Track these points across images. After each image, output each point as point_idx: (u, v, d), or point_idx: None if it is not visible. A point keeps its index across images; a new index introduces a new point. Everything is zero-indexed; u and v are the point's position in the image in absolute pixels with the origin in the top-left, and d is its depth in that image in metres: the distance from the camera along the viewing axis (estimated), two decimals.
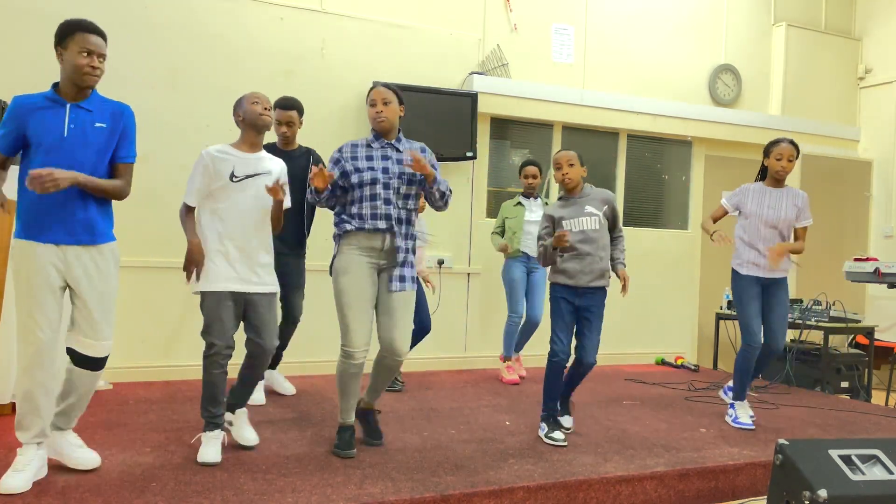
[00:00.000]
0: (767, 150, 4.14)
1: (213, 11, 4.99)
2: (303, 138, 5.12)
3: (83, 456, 2.83)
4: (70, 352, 2.79)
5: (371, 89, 3.30)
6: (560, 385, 3.66)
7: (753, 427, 4.04)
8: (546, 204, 5.18)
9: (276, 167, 3.26)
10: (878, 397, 5.82)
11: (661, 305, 6.62)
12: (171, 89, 4.89)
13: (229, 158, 3.13)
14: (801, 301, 5.98)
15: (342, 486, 2.77)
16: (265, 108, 3.19)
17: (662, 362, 6.44)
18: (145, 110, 4.78)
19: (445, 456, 3.25)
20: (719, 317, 6.29)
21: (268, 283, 3.19)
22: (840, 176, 7.30)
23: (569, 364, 3.64)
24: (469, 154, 5.57)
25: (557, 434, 3.54)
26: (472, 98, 5.58)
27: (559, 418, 3.74)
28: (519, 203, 5.16)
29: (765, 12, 7.17)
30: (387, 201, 3.19)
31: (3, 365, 3.61)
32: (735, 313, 6.00)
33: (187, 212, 3.16)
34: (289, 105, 4.11)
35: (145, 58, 4.80)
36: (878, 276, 5.32)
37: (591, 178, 6.04)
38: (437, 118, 5.42)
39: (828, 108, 7.40)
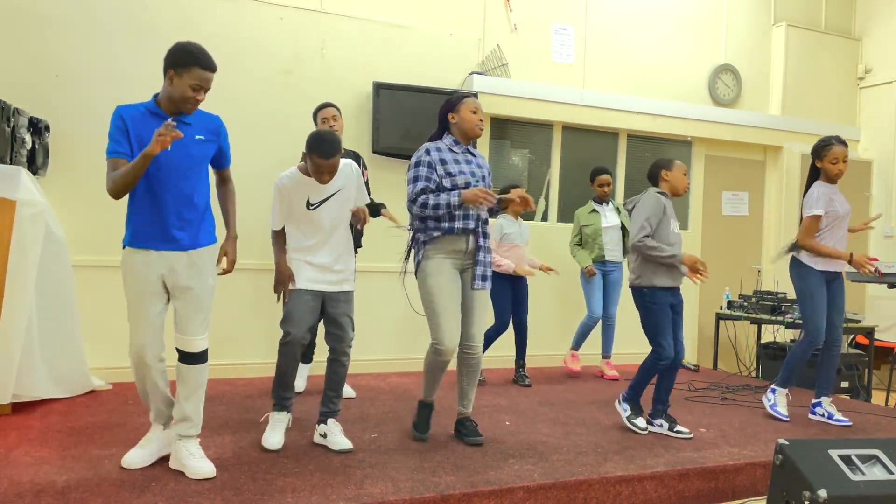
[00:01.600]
0: (821, 153, 4.15)
1: (213, 11, 4.99)
2: (303, 139, 5.12)
3: (199, 466, 2.83)
4: (177, 350, 2.93)
5: (466, 98, 3.44)
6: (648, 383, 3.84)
7: (788, 419, 4.16)
8: (619, 210, 5.49)
9: (347, 178, 3.31)
10: (878, 397, 5.82)
11: None
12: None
13: (302, 187, 3.23)
14: None
15: (342, 486, 2.77)
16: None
17: None
18: None
19: (445, 456, 3.25)
20: (719, 317, 6.29)
21: (344, 282, 3.32)
22: None
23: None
24: None
25: (641, 421, 3.78)
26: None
27: (675, 429, 3.81)
28: (594, 210, 5.43)
29: (765, 12, 7.17)
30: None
31: (3, 365, 3.61)
32: (738, 312, 6.01)
33: (276, 236, 3.32)
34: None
35: (145, 58, 4.80)
36: (878, 276, 5.32)
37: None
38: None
39: (828, 108, 7.40)
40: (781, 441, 2.59)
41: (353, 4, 5.43)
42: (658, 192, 3.83)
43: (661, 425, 3.84)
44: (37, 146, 4.19)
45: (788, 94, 7.15)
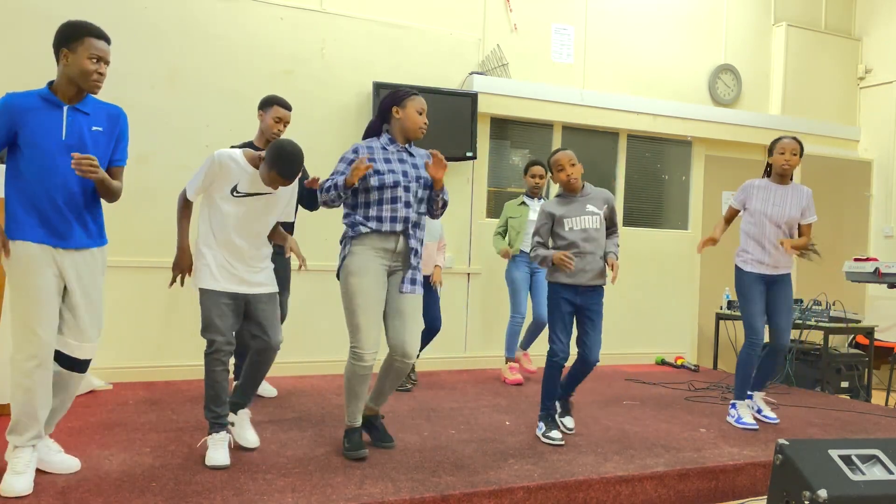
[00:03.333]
0: (771, 148, 4.15)
1: (213, 11, 4.99)
2: (302, 139, 5.12)
3: (63, 461, 2.79)
4: (57, 354, 2.73)
5: (414, 95, 3.28)
6: (558, 385, 3.67)
7: (757, 427, 4.03)
8: None
9: (284, 188, 3.16)
10: (878, 397, 5.82)
11: (661, 305, 6.62)
12: (170, 89, 4.89)
13: (238, 171, 3.04)
14: (802, 301, 5.98)
15: (342, 486, 2.77)
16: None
17: (662, 362, 6.44)
18: (145, 110, 4.78)
19: (445, 456, 3.25)
20: (719, 317, 6.29)
21: (266, 283, 3.17)
22: (840, 176, 7.30)
23: (567, 364, 3.64)
24: (469, 154, 5.57)
25: (555, 433, 3.54)
26: (472, 98, 5.58)
27: (560, 419, 3.74)
28: (523, 203, 5.17)
29: (765, 12, 7.17)
30: (406, 204, 3.21)
31: (3, 365, 3.61)
32: (738, 312, 6.01)
33: (184, 205, 3.11)
34: (289, 106, 4.10)
35: (145, 58, 4.80)
36: (878, 276, 5.32)
37: (590, 178, 6.04)
38: (437, 118, 5.42)
39: (828, 108, 7.40)
40: (781, 441, 2.59)
41: (353, 4, 5.43)
42: (555, 196, 3.71)
43: (540, 427, 3.65)
44: None
45: (788, 94, 7.15)
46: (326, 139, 5.26)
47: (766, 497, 2.77)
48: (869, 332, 5.81)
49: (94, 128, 2.71)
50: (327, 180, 3.17)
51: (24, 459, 2.63)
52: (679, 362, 6.28)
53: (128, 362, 4.74)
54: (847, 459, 2.55)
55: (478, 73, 5.76)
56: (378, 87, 5.29)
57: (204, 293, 3.06)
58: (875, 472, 2.55)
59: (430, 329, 4.71)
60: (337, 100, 5.34)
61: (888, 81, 7.30)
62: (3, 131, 2.60)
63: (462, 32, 5.80)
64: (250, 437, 3.26)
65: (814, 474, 2.45)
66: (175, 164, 4.83)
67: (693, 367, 6.13)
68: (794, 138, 4.09)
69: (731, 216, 4.33)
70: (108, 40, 2.69)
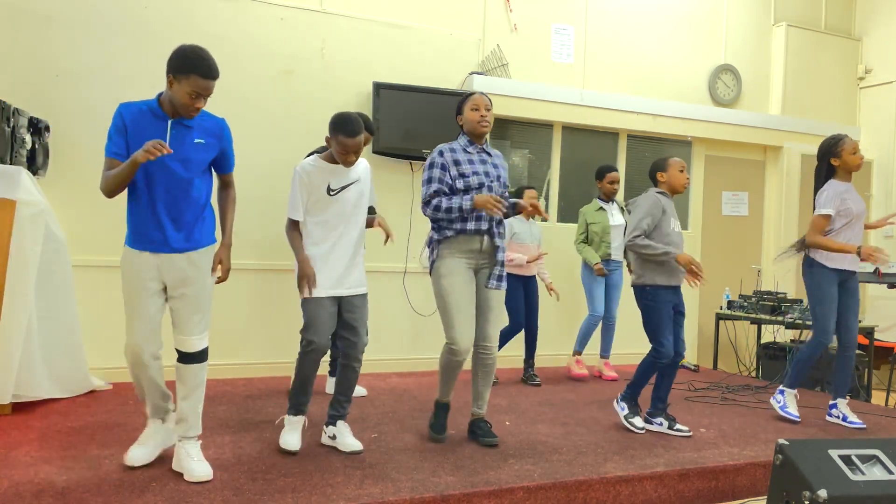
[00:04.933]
0: (833, 150, 4.11)
1: (213, 11, 4.99)
2: (302, 139, 5.13)
3: (195, 468, 2.80)
4: (176, 349, 2.92)
5: (470, 95, 3.45)
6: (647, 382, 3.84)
7: (799, 419, 4.13)
8: (623, 209, 5.46)
9: (363, 171, 3.31)
10: (878, 397, 5.82)
11: None
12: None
13: (323, 173, 3.20)
14: (802, 301, 5.98)
15: (342, 486, 2.77)
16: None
17: None
18: None
19: (445, 456, 3.25)
20: (719, 317, 6.29)
21: (361, 284, 3.28)
22: None
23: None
24: None
25: (638, 420, 3.79)
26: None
27: (673, 428, 3.83)
28: (601, 208, 5.40)
29: (765, 12, 7.17)
30: None
31: (3, 365, 3.61)
32: (738, 312, 6.01)
33: (293, 227, 3.24)
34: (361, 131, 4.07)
35: (146, 58, 4.80)
36: (878, 277, 5.32)
37: (590, 177, 6.04)
38: (437, 118, 5.42)
39: (828, 108, 7.40)
40: (781, 441, 2.59)
41: (353, 4, 5.43)
42: (658, 192, 3.85)
43: (660, 424, 3.85)
44: (37, 146, 4.19)
45: (788, 94, 7.15)
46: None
47: (766, 497, 2.77)
48: (869, 332, 5.80)
49: (197, 140, 2.84)
50: (438, 197, 3.33)
51: (147, 432, 2.99)
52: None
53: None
54: (847, 459, 2.55)
55: (478, 73, 5.75)
56: (378, 87, 5.29)
57: (307, 299, 3.19)
58: (875, 472, 2.54)
59: (531, 329, 5.21)
60: (337, 100, 5.33)
61: (888, 81, 7.30)
62: (123, 139, 2.78)
63: (462, 32, 5.80)
64: (352, 443, 3.27)
65: (814, 474, 2.45)
66: None
67: (693, 367, 6.13)
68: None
69: (826, 226, 4.10)
70: (214, 77, 2.75)
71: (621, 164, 6.54)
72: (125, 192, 2.82)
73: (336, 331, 3.27)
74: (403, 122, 5.36)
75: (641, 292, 3.79)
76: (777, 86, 7.16)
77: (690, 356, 6.76)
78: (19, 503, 2.50)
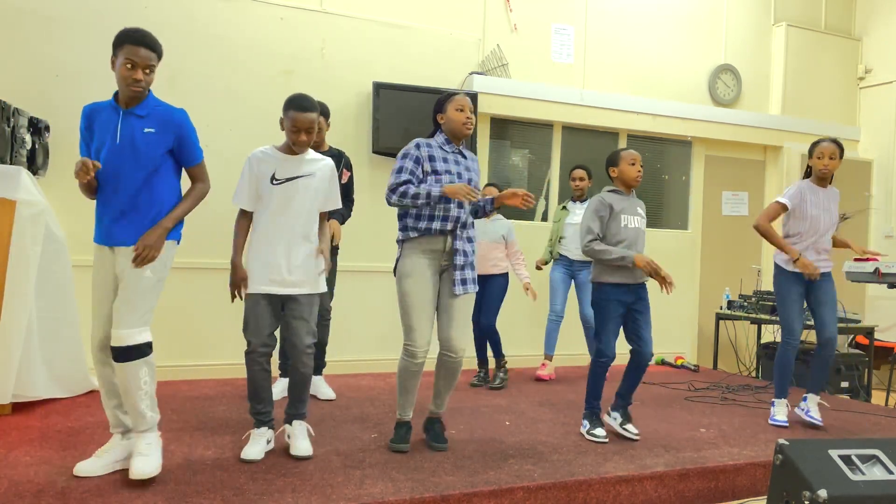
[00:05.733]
0: (811, 151, 4.17)
1: (213, 11, 4.99)
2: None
3: (134, 464, 2.74)
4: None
5: (452, 96, 3.36)
6: (603, 384, 3.71)
7: (787, 424, 4.09)
8: None
9: (321, 169, 3.21)
10: (878, 397, 5.82)
11: (661, 305, 6.61)
12: (171, 89, 4.89)
13: (272, 160, 3.13)
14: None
15: (342, 486, 2.77)
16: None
17: (662, 362, 6.43)
18: None
19: (445, 456, 3.25)
20: (719, 317, 6.29)
21: (306, 284, 3.15)
22: (840, 176, 7.29)
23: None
24: None
25: (600, 431, 3.63)
26: (472, 98, 5.57)
27: (624, 427, 3.74)
28: (564, 207, 5.37)
29: (765, 12, 7.17)
30: (459, 205, 3.29)
31: (3, 365, 3.61)
32: (738, 312, 6.01)
33: (241, 217, 3.17)
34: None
35: None
36: (878, 277, 5.32)
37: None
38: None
39: (828, 108, 7.40)
40: (781, 441, 2.59)
41: (353, 4, 5.43)
42: (609, 190, 3.76)
43: (614, 419, 3.77)
44: (37, 146, 4.19)
45: (788, 94, 7.15)
46: (327, 139, 5.25)
47: (766, 497, 2.77)
48: (869, 332, 5.80)
49: (146, 129, 2.79)
50: (406, 185, 3.22)
51: (105, 445, 2.90)
52: (679, 362, 6.28)
53: None
54: (847, 459, 2.55)
55: (478, 73, 5.76)
56: (378, 87, 5.29)
57: (245, 296, 3.14)
58: (875, 472, 2.54)
59: (488, 330, 4.97)
60: (337, 100, 5.34)
61: (888, 81, 7.30)
62: (84, 141, 2.83)
63: (462, 32, 5.80)
64: (301, 446, 3.18)
65: (814, 474, 2.45)
66: None
67: (693, 367, 6.13)
68: (834, 141, 4.11)
69: (777, 216, 4.18)
70: (149, 46, 2.74)
71: None
72: None
73: (282, 334, 3.17)
74: (403, 122, 5.36)
75: (594, 289, 3.73)
76: (777, 86, 7.16)
77: (690, 356, 6.76)
78: (19, 503, 2.50)
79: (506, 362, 5.08)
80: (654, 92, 6.58)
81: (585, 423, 3.71)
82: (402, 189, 3.21)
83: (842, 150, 4.12)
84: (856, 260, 5.62)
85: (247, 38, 5.09)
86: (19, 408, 3.82)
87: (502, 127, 6.06)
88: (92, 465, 2.80)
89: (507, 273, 5.03)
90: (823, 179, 4.15)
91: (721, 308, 6.35)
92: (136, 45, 2.71)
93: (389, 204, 3.26)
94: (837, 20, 7.56)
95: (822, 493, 2.37)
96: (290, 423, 3.25)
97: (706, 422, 4.17)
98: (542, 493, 2.91)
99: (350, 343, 5.39)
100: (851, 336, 6.29)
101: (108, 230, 2.78)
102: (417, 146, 3.31)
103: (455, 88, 5.67)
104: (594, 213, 3.68)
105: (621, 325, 3.68)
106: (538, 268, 5.39)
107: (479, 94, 5.63)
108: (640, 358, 3.70)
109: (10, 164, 3.83)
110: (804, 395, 4.22)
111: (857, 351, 5.89)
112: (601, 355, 3.63)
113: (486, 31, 5.92)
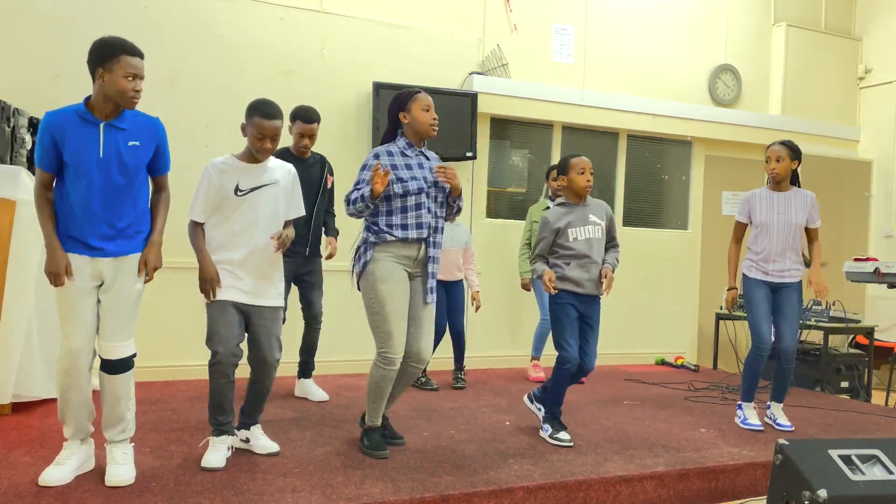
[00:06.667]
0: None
1: (213, 11, 4.99)
2: None
3: (115, 472, 2.73)
4: (99, 357, 2.80)
5: (416, 94, 3.24)
6: (565, 390, 3.65)
7: (762, 428, 4.02)
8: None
9: (284, 175, 3.13)
10: (878, 397, 5.82)
11: (661, 306, 6.62)
12: (171, 89, 4.89)
13: (234, 171, 3.02)
14: (801, 301, 5.98)
15: (342, 486, 2.77)
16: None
17: (662, 362, 6.44)
18: (145, 110, 4.72)
19: (445, 456, 3.25)
20: (719, 317, 6.29)
21: (271, 296, 3.09)
22: (840, 176, 7.30)
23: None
24: (469, 154, 5.57)
25: (563, 434, 3.54)
26: (472, 98, 5.58)
27: (555, 436, 3.61)
28: (548, 207, 5.20)
29: (765, 12, 7.17)
30: (430, 210, 3.21)
31: (3, 365, 3.61)
32: (738, 312, 6.02)
33: (195, 227, 3.04)
34: (313, 119, 4.07)
35: (146, 58, 4.78)
36: (878, 276, 5.32)
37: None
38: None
39: (828, 108, 7.40)
40: (781, 441, 2.59)
41: (353, 4, 5.43)
42: (556, 204, 3.68)
43: (538, 409, 3.73)
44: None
45: (788, 94, 7.15)
46: (326, 139, 5.25)
47: (766, 497, 2.77)
48: (869, 332, 5.80)
49: (131, 143, 2.73)
50: (353, 191, 3.15)
51: (66, 452, 2.79)
52: (679, 362, 6.28)
53: None
54: (847, 459, 2.55)
55: (478, 73, 5.76)
56: (378, 87, 5.29)
57: (209, 305, 3.02)
58: (875, 472, 2.55)
59: (456, 335, 4.96)
60: (337, 100, 5.34)
61: (888, 81, 7.30)
62: (52, 150, 2.66)
63: (462, 32, 5.80)
64: (267, 444, 3.19)
65: (814, 474, 2.45)
66: (175, 163, 4.74)
67: (693, 367, 6.13)
68: (784, 143, 4.05)
69: (742, 233, 4.27)
70: (142, 56, 2.72)
71: (621, 165, 6.54)
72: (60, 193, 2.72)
73: (248, 347, 3.08)
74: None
75: (549, 297, 3.64)
76: (777, 86, 7.16)
77: (690, 356, 6.76)
78: (19, 503, 2.50)
79: (464, 365, 5.08)
80: (654, 92, 6.58)
81: (547, 427, 3.62)
82: (352, 198, 3.13)
83: (793, 150, 4.03)
84: (856, 260, 5.62)
85: (247, 38, 5.09)
86: (19, 408, 3.82)
87: (502, 127, 6.06)
88: (59, 474, 2.70)
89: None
90: (778, 183, 4.08)
91: (721, 308, 6.35)
92: (133, 56, 2.66)
93: (347, 214, 3.18)
94: (837, 20, 7.56)
95: (822, 493, 2.37)
96: (248, 429, 3.22)
97: (706, 422, 4.17)
98: (542, 493, 2.91)
99: (348, 343, 5.38)
100: (851, 336, 6.29)
101: (91, 242, 2.67)
102: (376, 156, 3.18)
103: (455, 88, 5.66)
104: (539, 235, 3.63)
105: (578, 330, 3.58)
106: (526, 288, 5.21)
107: (479, 94, 5.63)
108: (579, 372, 3.60)
109: (10, 164, 3.83)
110: (768, 402, 4.20)
111: (857, 351, 5.89)
112: (564, 361, 3.51)
113: (486, 31, 5.93)
